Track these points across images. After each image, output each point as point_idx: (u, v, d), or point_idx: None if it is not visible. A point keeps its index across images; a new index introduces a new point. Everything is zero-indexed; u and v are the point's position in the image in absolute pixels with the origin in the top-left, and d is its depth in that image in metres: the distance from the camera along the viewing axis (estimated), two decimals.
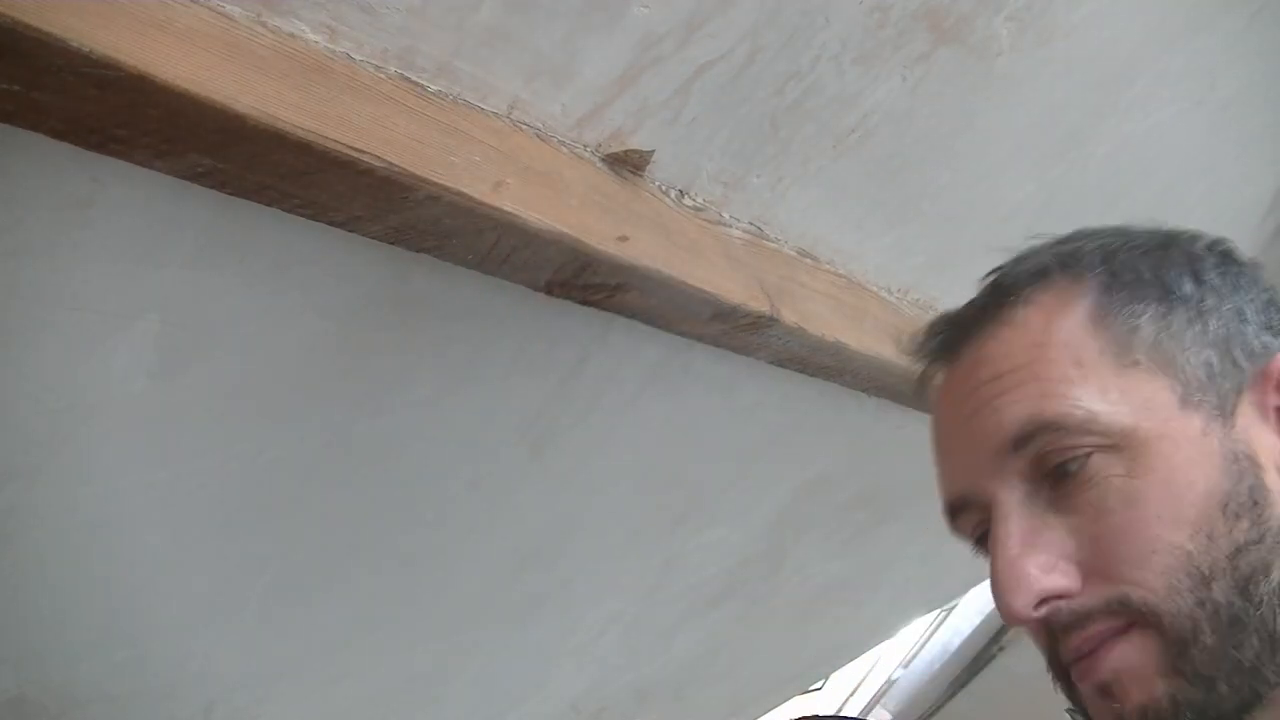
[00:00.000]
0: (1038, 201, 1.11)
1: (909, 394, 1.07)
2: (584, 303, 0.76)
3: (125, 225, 0.58)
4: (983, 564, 0.52)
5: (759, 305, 0.82)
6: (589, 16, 0.65)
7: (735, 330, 0.85)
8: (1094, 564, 0.47)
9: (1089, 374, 0.48)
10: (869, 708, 4.33)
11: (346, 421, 0.80)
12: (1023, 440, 0.48)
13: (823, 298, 0.93)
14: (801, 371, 0.98)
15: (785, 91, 0.79)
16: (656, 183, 0.80)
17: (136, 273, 0.61)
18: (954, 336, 0.55)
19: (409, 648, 1.14)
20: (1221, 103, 1.15)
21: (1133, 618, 0.46)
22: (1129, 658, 0.46)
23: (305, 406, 0.77)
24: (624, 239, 0.70)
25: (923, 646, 4.24)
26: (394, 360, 0.78)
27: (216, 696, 1.00)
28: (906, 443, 1.33)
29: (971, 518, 0.53)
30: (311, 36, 0.57)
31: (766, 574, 1.53)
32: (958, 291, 0.58)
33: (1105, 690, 0.47)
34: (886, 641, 2.64)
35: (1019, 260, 0.56)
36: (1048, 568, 0.48)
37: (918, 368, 0.58)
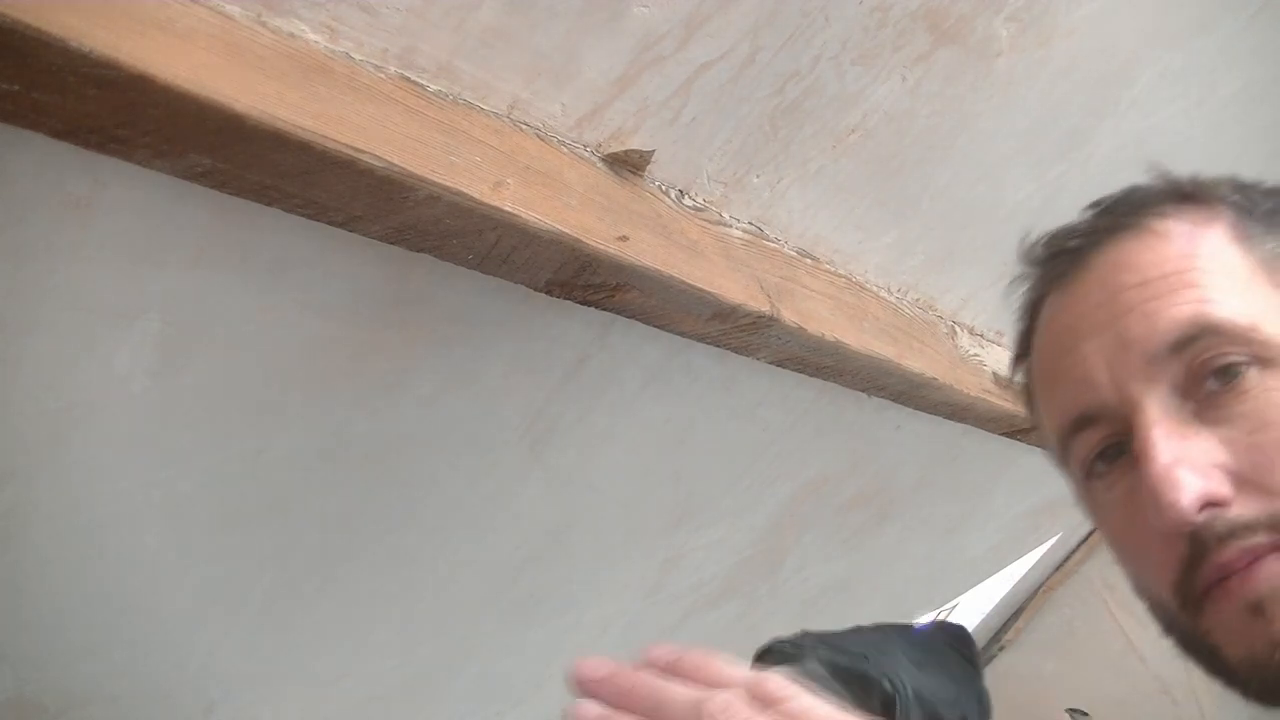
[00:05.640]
0: (1038, 201, 1.11)
1: (909, 394, 1.07)
2: (584, 303, 0.76)
3: (125, 225, 0.58)
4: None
5: (759, 305, 0.82)
6: (589, 16, 0.65)
7: (735, 330, 0.85)
8: (1251, 476, 0.45)
9: (1245, 286, 0.48)
10: None
11: (346, 421, 0.80)
12: (1183, 343, 0.47)
13: (822, 298, 0.93)
14: (801, 371, 0.98)
15: (785, 91, 0.79)
16: (656, 183, 0.80)
17: (136, 273, 0.61)
18: (1079, 246, 0.52)
19: (409, 648, 1.14)
20: (1221, 102, 1.15)
21: None
22: None
23: (305, 406, 0.77)
24: (624, 239, 0.70)
25: None
26: (394, 360, 0.78)
27: (216, 696, 1.00)
28: (906, 443, 1.33)
29: (1096, 433, 0.50)
30: (311, 36, 0.57)
31: (766, 574, 1.53)
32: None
33: (1257, 608, 0.45)
34: None
35: (1133, 189, 0.54)
36: (1203, 473, 0.46)
37: (1028, 277, 0.56)
